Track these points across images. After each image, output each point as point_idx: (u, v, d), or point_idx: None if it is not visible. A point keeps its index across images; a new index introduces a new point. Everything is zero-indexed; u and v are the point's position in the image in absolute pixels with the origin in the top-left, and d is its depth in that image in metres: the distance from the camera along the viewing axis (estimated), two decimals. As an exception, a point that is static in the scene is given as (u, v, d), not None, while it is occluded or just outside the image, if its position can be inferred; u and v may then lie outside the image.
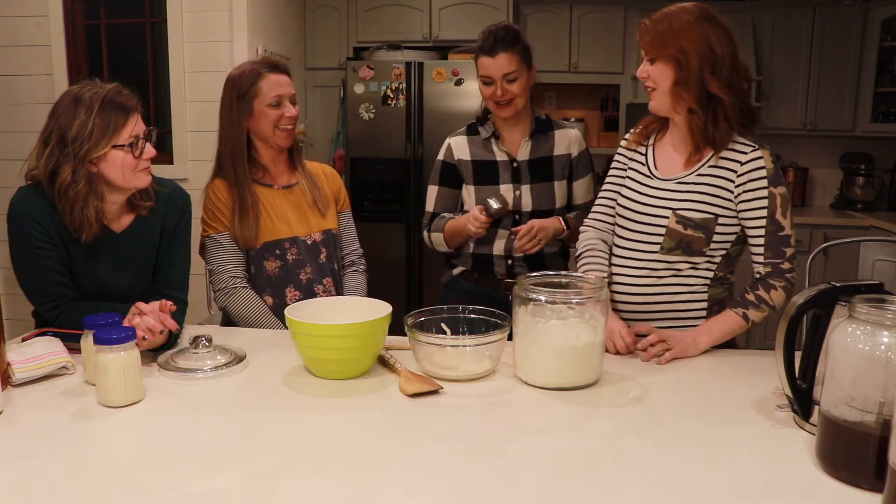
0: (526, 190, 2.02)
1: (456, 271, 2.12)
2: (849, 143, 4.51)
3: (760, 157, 1.51)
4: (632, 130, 1.72)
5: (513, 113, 1.96)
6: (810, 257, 2.43)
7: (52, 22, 3.55)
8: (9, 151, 3.55)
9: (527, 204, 2.02)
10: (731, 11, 4.26)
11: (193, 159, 3.54)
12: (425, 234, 2.12)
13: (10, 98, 3.62)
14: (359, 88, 4.11)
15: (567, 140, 2.05)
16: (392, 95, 4.09)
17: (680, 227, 1.53)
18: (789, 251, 1.51)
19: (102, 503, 0.94)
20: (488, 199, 1.93)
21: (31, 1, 3.54)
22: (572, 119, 4.63)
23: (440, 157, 2.10)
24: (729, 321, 1.53)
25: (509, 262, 2.04)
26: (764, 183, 1.50)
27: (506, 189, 2.01)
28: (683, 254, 1.55)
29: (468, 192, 2.06)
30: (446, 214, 2.08)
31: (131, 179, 1.52)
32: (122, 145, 1.48)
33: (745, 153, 1.52)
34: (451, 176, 2.08)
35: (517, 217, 2.01)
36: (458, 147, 2.07)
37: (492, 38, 1.89)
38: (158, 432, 1.16)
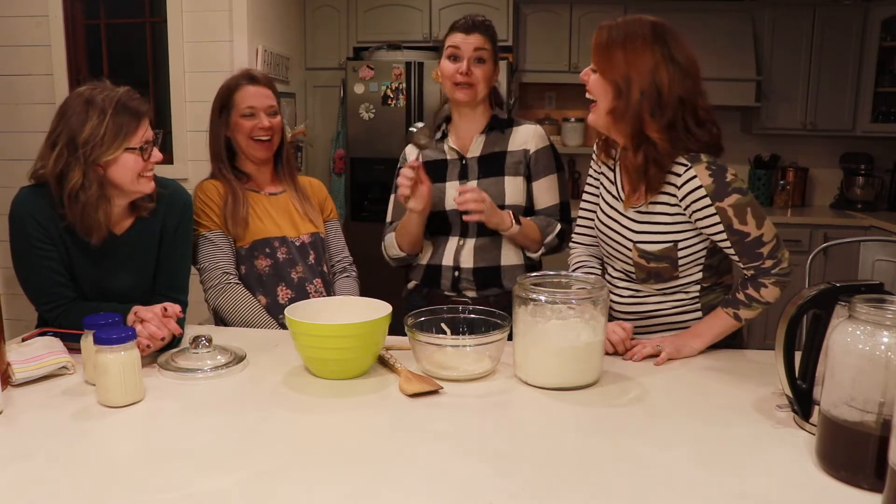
0: (473, 186, 1.84)
1: (410, 285, 1.98)
2: (849, 143, 4.51)
3: (694, 177, 1.41)
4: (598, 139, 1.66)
5: (470, 99, 1.83)
6: (810, 257, 2.43)
7: (52, 22, 3.55)
8: (9, 151, 3.55)
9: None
10: (731, 11, 4.26)
11: (193, 159, 3.54)
12: (382, 245, 1.98)
13: (10, 98, 3.62)
14: (359, 88, 4.11)
15: (524, 136, 1.88)
16: (392, 95, 4.09)
17: (643, 261, 1.51)
18: (766, 249, 1.42)
19: (102, 503, 0.94)
20: (412, 138, 1.78)
21: (31, 1, 3.54)
22: (573, 119, 4.63)
23: (398, 167, 1.96)
24: (720, 322, 1.50)
25: (456, 273, 1.87)
26: (706, 202, 1.41)
27: (451, 185, 1.87)
28: (656, 282, 1.54)
29: None
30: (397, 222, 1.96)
31: (137, 184, 1.52)
32: (134, 148, 1.48)
33: (679, 175, 1.43)
34: None
35: (464, 219, 1.82)
36: (412, 153, 1.94)
37: (470, 21, 1.84)
38: (158, 432, 1.16)
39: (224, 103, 1.89)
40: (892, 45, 4.21)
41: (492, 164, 1.87)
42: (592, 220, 1.67)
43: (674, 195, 1.45)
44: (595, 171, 1.69)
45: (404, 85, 4.07)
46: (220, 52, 3.48)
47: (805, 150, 4.58)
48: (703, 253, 1.51)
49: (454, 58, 1.83)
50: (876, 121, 4.30)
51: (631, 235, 1.52)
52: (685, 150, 1.43)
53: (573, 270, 1.70)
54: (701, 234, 1.49)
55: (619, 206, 1.56)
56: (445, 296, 1.89)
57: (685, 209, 1.45)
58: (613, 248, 1.58)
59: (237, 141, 1.90)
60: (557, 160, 1.91)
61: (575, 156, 4.75)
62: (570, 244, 1.77)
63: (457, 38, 1.83)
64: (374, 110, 4.13)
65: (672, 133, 1.41)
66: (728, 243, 1.44)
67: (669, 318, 1.57)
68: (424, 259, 1.92)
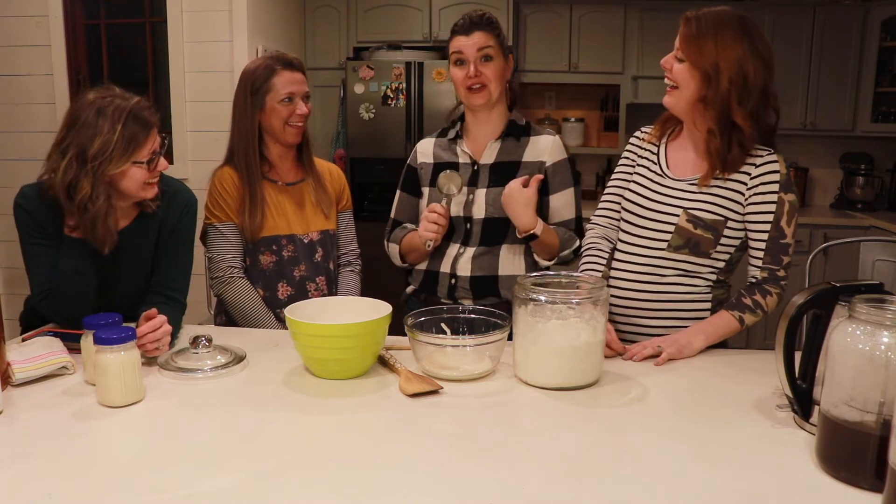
0: (481, 194, 1.81)
1: (409, 290, 1.95)
2: (849, 143, 4.51)
3: (775, 162, 1.51)
4: (643, 129, 1.72)
5: (486, 101, 1.79)
6: (810, 257, 2.43)
7: (52, 22, 3.55)
8: (9, 151, 3.54)
9: (479, 210, 1.81)
10: (731, 11, 4.26)
11: (193, 159, 3.54)
12: (385, 242, 1.96)
13: (10, 98, 3.62)
14: (359, 88, 4.11)
15: (541, 147, 1.83)
16: (392, 95, 4.09)
17: (690, 226, 1.53)
18: (786, 259, 1.51)
19: (102, 503, 0.94)
20: (442, 184, 1.76)
21: (31, 1, 3.54)
22: (573, 119, 4.63)
23: (408, 161, 1.96)
24: (725, 323, 1.52)
25: (453, 280, 1.82)
26: (775, 188, 1.50)
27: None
28: (690, 253, 1.55)
29: (423, 197, 1.90)
30: (408, 225, 1.92)
31: (142, 191, 1.53)
32: (142, 162, 1.48)
33: (761, 156, 1.51)
34: (413, 181, 1.93)
35: (468, 226, 1.82)
36: (423, 150, 1.93)
37: (467, 20, 1.78)
38: (158, 432, 1.16)
39: (258, 87, 1.85)
40: (892, 45, 4.21)
41: (503, 174, 1.81)
42: (618, 201, 1.69)
43: (747, 173, 1.52)
44: (636, 154, 1.70)
45: (404, 85, 4.07)
46: (220, 52, 3.48)
47: (805, 150, 4.58)
48: (737, 244, 1.56)
49: (460, 62, 1.79)
50: (876, 121, 4.29)
51: (682, 203, 1.55)
52: (759, 139, 1.53)
53: (585, 250, 1.72)
54: (742, 223, 1.53)
55: (665, 180, 1.60)
56: (442, 303, 1.82)
57: (748, 189, 1.51)
58: (649, 219, 1.59)
59: (269, 126, 1.87)
60: (574, 174, 1.86)
61: (575, 156, 4.73)
62: (589, 224, 1.76)
63: (459, 42, 1.78)
64: (374, 110, 4.13)
65: (755, 121, 1.50)
66: (765, 235, 1.51)
67: (680, 303, 1.58)
68: (423, 264, 1.89)
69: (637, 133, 1.73)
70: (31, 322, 1.68)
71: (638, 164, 1.68)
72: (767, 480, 0.99)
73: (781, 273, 1.51)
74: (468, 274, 1.81)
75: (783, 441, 1.12)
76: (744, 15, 1.50)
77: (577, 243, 1.80)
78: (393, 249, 1.93)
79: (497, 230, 1.81)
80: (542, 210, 1.82)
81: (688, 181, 1.57)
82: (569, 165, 1.85)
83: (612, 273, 1.64)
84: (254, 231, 1.86)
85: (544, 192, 1.82)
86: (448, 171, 1.80)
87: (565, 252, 1.80)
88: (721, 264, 1.57)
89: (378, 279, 2.24)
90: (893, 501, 0.86)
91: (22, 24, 3.57)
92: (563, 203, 1.83)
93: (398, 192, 1.97)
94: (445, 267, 1.84)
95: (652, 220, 1.59)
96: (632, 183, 1.66)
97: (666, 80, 1.55)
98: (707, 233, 1.53)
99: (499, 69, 1.79)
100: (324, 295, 1.96)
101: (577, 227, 1.84)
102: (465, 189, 1.81)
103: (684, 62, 1.50)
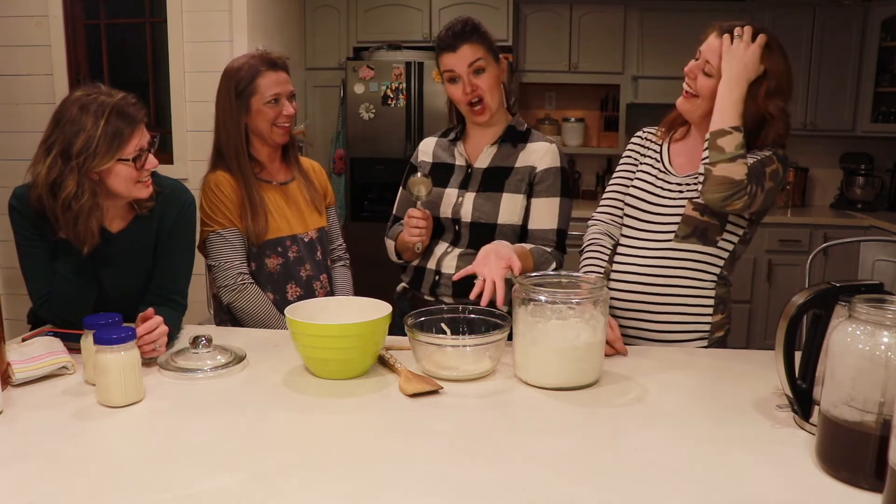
0: (469, 198, 1.79)
1: (399, 288, 1.94)
2: (849, 143, 4.51)
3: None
4: (645, 129, 1.74)
5: (487, 115, 1.76)
6: (810, 257, 2.43)
7: (52, 22, 3.56)
8: (9, 151, 3.55)
9: (467, 214, 1.78)
10: (731, 11, 4.26)
11: (193, 159, 3.54)
12: (385, 238, 1.96)
13: (10, 98, 3.62)
14: (359, 88, 4.11)
15: (535, 153, 1.79)
16: (392, 95, 4.10)
17: (696, 214, 1.55)
18: (761, 193, 1.46)
19: (102, 503, 0.94)
20: (411, 188, 1.75)
21: (31, 1, 3.55)
22: (573, 119, 4.63)
23: (411, 158, 1.97)
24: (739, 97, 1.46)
25: (436, 277, 1.81)
26: (768, 153, 1.50)
27: (450, 192, 1.82)
28: (698, 242, 1.56)
29: None
30: None
31: (133, 190, 1.51)
32: (127, 159, 1.46)
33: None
34: None
35: (457, 228, 1.80)
36: (425, 149, 1.93)
37: (450, 34, 1.72)
38: (158, 432, 1.16)
39: (242, 89, 1.82)
40: (892, 45, 4.21)
41: (494, 179, 1.79)
42: (621, 198, 1.71)
43: None
44: (639, 153, 1.72)
45: (404, 85, 4.08)
46: (220, 52, 3.48)
47: (805, 150, 4.58)
48: (741, 233, 1.58)
49: (453, 80, 1.75)
50: (876, 121, 4.30)
51: (688, 194, 1.57)
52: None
53: (587, 246, 1.73)
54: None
55: (668, 176, 1.62)
56: (425, 300, 1.83)
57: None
58: (653, 213, 1.61)
59: (256, 128, 1.85)
60: (566, 185, 1.79)
61: (575, 156, 4.75)
62: (591, 221, 1.77)
63: (448, 60, 1.74)
64: (374, 110, 4.13)
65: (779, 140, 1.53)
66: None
67: (685, 298, 1.58)
68: (416, 261, 1.87)
69: (639, 133, 1.74)
70: (38, 319, 1.67)
71: (641, 163, 1.69)
72: (767, 480, 0.99)
73: (758, 189, 1.44)
74: (452, 272, 1.78)
75: (783, 441, 1.12)
76: (773, 34, 1.50)
77: (554, 265, 1.74)
78: (389, 245, 1.92)
79: (484, 235, 1.77)
80: (526, 213, 1.79)
81: (692, 176, 1.58)
82: (560, 175, 1.78)
83: (616, 268, 1.65)
84: (259, 234, 1.83)
85: (530, 195, 1.79)
86: (418, 174, 1.78)
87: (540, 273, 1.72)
88: (726, 254, 1.58)
89: (375, 279, 2.24)
90: (893, 501, 0.86)
91: (22, 24, 3.57)
92: (543, 210, 1.77)
93: (401, 188, 1.97)
94: (431, 264, 1.83)
95: (657, 214, 1.60)
96: (635, 180, 1.67)
97: (685, 87, 1.55)
98: (713, 219, 1.55)
99: (492, 79, 1.75)
100: (327, 292, 1.97)
101: (559, 240, 1.78)
102: (440, 191, 1.82)
103: (713, 77, 1.49)
